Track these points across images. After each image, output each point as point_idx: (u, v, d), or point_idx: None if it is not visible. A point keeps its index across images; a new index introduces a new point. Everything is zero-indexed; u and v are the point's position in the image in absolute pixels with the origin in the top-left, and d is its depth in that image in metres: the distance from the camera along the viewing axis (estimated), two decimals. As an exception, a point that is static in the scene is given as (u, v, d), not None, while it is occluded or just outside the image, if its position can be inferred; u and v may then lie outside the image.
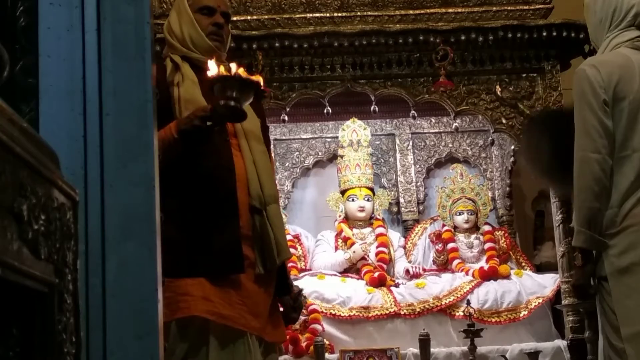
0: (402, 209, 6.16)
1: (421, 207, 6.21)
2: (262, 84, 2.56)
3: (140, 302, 1.48)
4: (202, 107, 2.58)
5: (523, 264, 5.77)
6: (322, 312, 4.98)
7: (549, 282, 5.29)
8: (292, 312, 2.89)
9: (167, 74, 2.73)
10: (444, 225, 5.84)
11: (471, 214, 5.78)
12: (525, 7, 5.37)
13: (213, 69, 2.51)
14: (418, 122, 6.17)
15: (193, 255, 2.57)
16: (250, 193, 2.67)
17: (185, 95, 2.67)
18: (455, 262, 5.60)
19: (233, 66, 2.53)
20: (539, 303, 5.19)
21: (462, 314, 5.04)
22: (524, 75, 5.37)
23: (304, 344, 4.84)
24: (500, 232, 5.83)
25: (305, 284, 5.03)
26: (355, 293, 5.12)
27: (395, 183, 6.21)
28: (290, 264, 4.51)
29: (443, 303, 5.12)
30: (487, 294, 5.20)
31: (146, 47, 1.57)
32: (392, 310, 5.04)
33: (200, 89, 2.70)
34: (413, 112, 5.40)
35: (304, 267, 5.60)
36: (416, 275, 5.42)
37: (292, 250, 5.04)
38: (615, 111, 2.93)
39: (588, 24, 3.24)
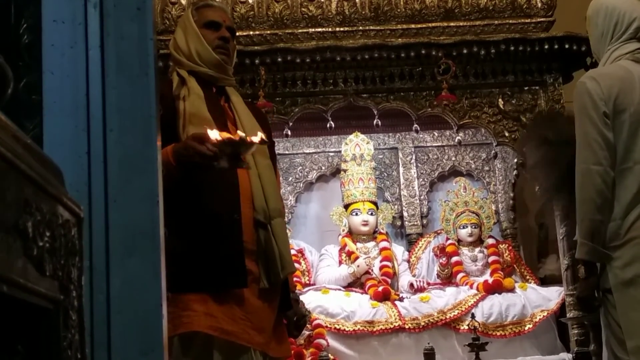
0: (406, 222, 6.15)
1: (425, 221, 6.20)
2: (264, 139, 2.55)
3: (145, 318, 1.48)
4: (198, 137, 2.52)
5: (527, 277, 5.75)
6: (327, 326, 4.97)
7: (553, 295, 5.28)
8: (293, 329, 2.88)
9: (174, 88, 2.74)
10: (447, 239, 5.83)
11: (475, 227, 5.77)
12: (527, 21, 5.38)
13: (213, 134, 2.48)
14: (421, 135, 6.16)
15: (196, 270, 2.56)
16: (255, 207, 2.67)
17: (191, 109, 2.68)
18: (460, 275, 5.59)
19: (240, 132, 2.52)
20: (543, 316, 5.17)
21: (466, 327, 5.02)
22: (526, 88, 5.37)
23: (308, 359, 4.83)
24: (504, 245, 5.81)
25: (309, 298, 5.02)
26: (360, 307, 5.10)
27: (398, 197, 6.20)
28: (294, 279, 4.50)
29: (448, 317, 5.10)
30: (491, 308, 5.19)
31: (149, 63, 1.58)
32: (396, 324, 5.02)
33: (206, 103, 2.71)
34: (416, 125, 5.41)
35: (307, 282, 5.58)
36: (420, 289, 5.41)
37: (296, 264, 5.03)
38: (616, 124, 2.94)
39: (590, 36, 3.25)
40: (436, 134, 6.26)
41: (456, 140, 5.74)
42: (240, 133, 2.49)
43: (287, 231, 3.19)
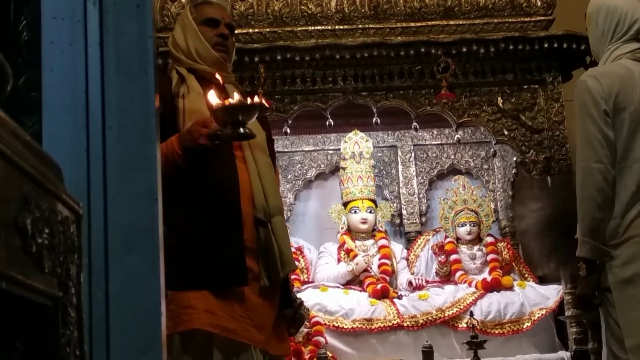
0: (405, 220, 6.15)
1: (423, 219, 6.20)
2: (264, 103, 2.55)
3: (144, 316, 1.47)
4: (202, 121, 2.55)
5: (526, 275, 5.76)
6: (325, 324, 4.97)
7: (552, 294, 5.28)
8: (291, 326, 2.88)
9: (173, 85, 2.74)
10: (446, 237, 5.83)
11: (474, 226, 5.77)
12: (526, 19, 5.38)
13: (213, 99, 2.48)
14: (420, 134, 6.17)
15: (196, 268, 2.57)
16: (255, 205, 2.67)
17: (191, 107, 2.68)
18: (458, 273, 5.59)
19: (235, 95, 2.51)
20: (542, 314, 5.17)
21: (465, 325, 5.02)
22: (525, 86, 5.37)
23: (307, 357, 4.82)
24: (502, 243, 5.82)
25: (308, 296, 5.02)
26: (358, 305, 5.10)
27: (397, 195, 6.21)
28: (292, 277, 4.50)
29: (446, 315, 5.10)
30: (490, 306, 5.19)
31: (149, 60, 1.57)
32: (395, 322, 5.02)
33: (205, 100, 2.71)
34: (415, 124, 5.41)
35: (306, 280, 5.59)
36: (419, 287, 5.41)
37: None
38: (616, 122, 2.94)
39: (589, 35, 3.24)
40: (435, 132, 6.26)
41: (455, 138, 5.74)
42: (237, 95, 2.49)
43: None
